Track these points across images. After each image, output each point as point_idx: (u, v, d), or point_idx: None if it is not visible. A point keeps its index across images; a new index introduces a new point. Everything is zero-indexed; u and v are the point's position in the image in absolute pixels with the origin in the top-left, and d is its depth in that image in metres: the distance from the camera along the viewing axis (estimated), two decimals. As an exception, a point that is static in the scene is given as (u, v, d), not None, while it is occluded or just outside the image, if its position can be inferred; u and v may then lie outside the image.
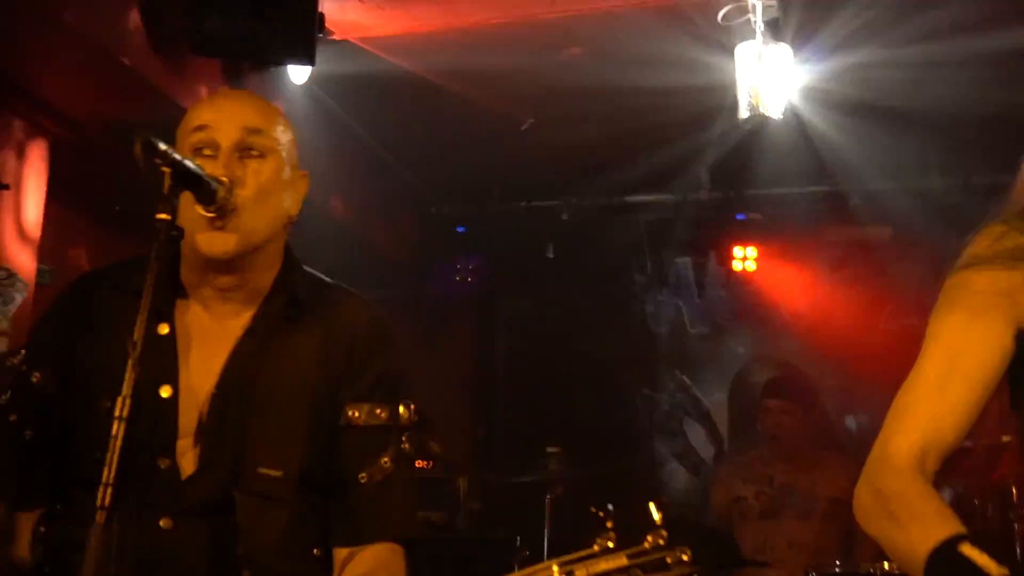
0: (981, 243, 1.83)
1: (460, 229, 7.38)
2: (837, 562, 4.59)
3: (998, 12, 4.73)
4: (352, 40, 5.34)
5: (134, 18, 4.44)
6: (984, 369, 1.78)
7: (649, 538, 1.72)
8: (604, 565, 1.71)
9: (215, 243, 1.98)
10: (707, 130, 6.01)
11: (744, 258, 7.13)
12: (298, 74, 5.21)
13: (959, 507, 4.78)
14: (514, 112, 6.12)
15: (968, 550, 1.60)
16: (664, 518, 1.73)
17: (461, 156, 6.76)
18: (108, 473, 1.62)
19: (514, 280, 7.66)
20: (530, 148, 6.47)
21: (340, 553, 2.06)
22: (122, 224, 5.32)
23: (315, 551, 2.04)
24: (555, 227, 7.20)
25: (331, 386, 2.07)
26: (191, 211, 1.95)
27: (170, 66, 4.65)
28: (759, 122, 4.95)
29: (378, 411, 2.07)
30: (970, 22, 4.88)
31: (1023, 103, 5.15)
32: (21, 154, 4.65)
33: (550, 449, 5.35)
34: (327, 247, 6.48)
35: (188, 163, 1.84)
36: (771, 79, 4.86)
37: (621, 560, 1.72)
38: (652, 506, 1.74)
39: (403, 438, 2.09)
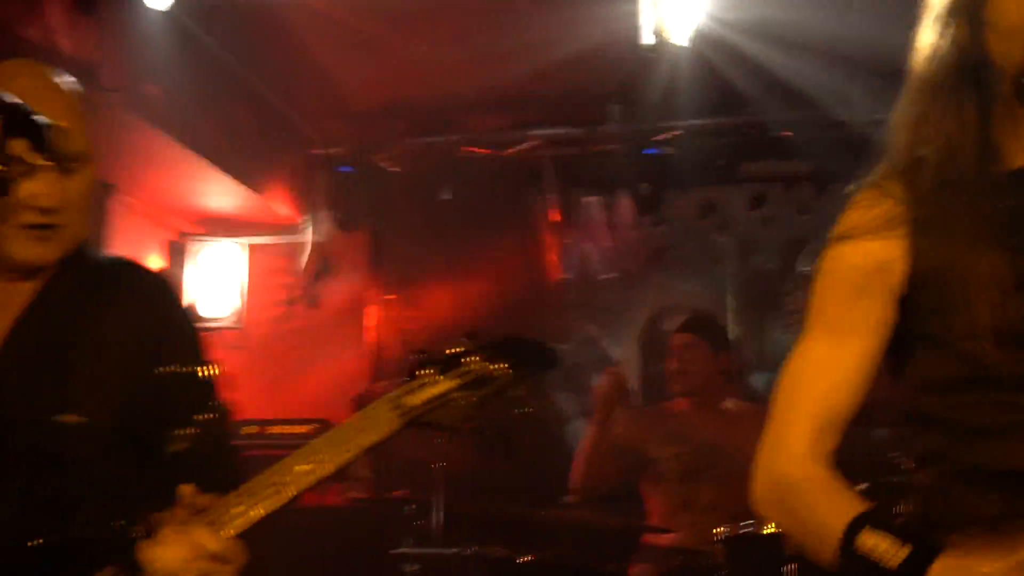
0: (856, 212, 1.96)
1: (344, 169, 7.29)
2: (747, 523, 4.71)
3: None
4: (219, -41, 5.25)
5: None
6: (869, 343, 1.92)
7: (470, 358, 2.00)
8: (432, 391, 1.99)
9: (34, 252, 2.11)
10: (613, 57, 5.99)
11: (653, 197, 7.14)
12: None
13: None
14: (403, 39, 6.02)
15: (867, 537, 1.74)
16: (482, 339, 2.01)
17: (345, 89, 6.66)
18: None
19: (406, 224, 7.59)
20: (421, 79, 6.41)
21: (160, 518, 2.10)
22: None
23: (121, 521, 2.08)
24: (451, 164, 7.17)
25: (132, 346, 2.17)
26: (3, 218, 2.04)
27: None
28: (666, 49, 5.00)
29: (190, 369, 2.22)
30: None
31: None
32: None
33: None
34: (198, 190, 6.44)
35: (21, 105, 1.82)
36: (676, 1, 4.91)
37: (448, 383, 1.99)
38: (464, 340, 2.02)
39: (219, 397, 2.25)
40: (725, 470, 5.15)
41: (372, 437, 1.96)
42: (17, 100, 1.83)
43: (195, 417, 2.17)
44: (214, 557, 1.94)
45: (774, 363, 6.25)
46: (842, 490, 1.85)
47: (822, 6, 5.43)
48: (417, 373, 1.99)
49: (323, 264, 7.41)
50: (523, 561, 4.73)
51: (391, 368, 7.57)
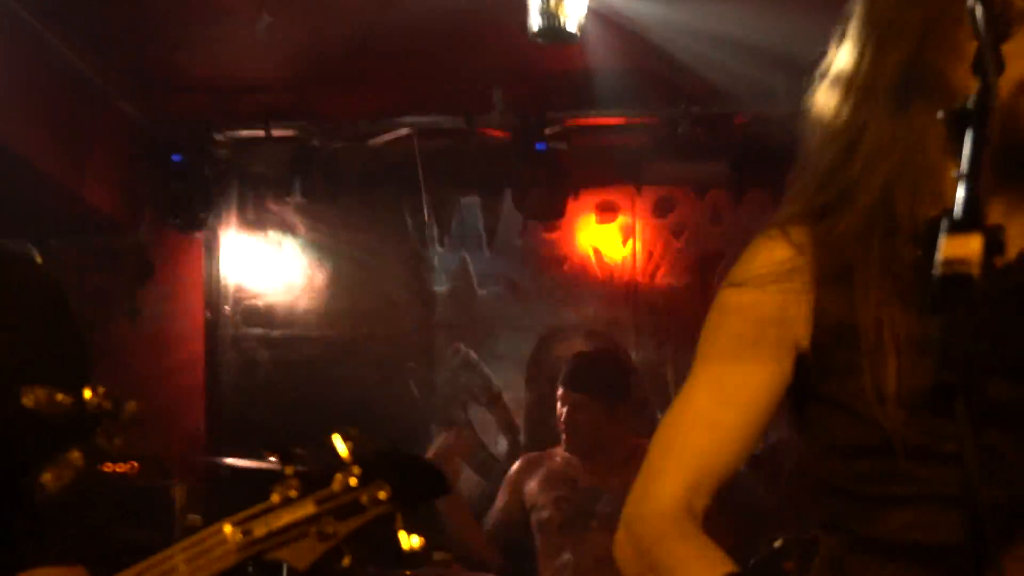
0: (756, 257, 2.04)
1: (176, 158, 7.18)
2: None
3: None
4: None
5: None
6: (758, 399, 2.03)
7: (339, 478, 1.83)
8: (288, 517, 1.82)
9: None
10: (500, 39, 6.00)
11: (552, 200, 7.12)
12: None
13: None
14: (246, 7, 5.96)
15: None
16: (357, 452, 1.85)
17: (177, 64, 6.62)
18: None
19: (249, 225, 7.57)
20: (268, 55, 6.34)
21: None
22: None
23: None
24: (303, 157, 7.08)
25: None
26: None
27: None
28: (557, 34, 4.99)
29: (58, 397, 2.05)
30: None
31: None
32: None
33: (299, 450, 5.34)
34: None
35: None
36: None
37: (308, 508, 1.83)
38: (337, 439, 1.85)
39: (96, 430, 2.06)
40: (613, 519, 5.17)
41: (203, 573, 1.83)
42: None
43: (59, 459, 2.03)
44: None
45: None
46: (711, 550, 1.95)
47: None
48: (275, 489, 1.83)
49: (147, 270, 7.30)
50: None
51: (228, 395, 7.51)
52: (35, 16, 5.99)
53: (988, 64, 1.58)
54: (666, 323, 7.32)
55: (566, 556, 5.34)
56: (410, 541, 1.87)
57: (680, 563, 1.96)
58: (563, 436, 5.49)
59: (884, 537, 1.95)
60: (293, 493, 1.82)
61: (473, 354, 7.46)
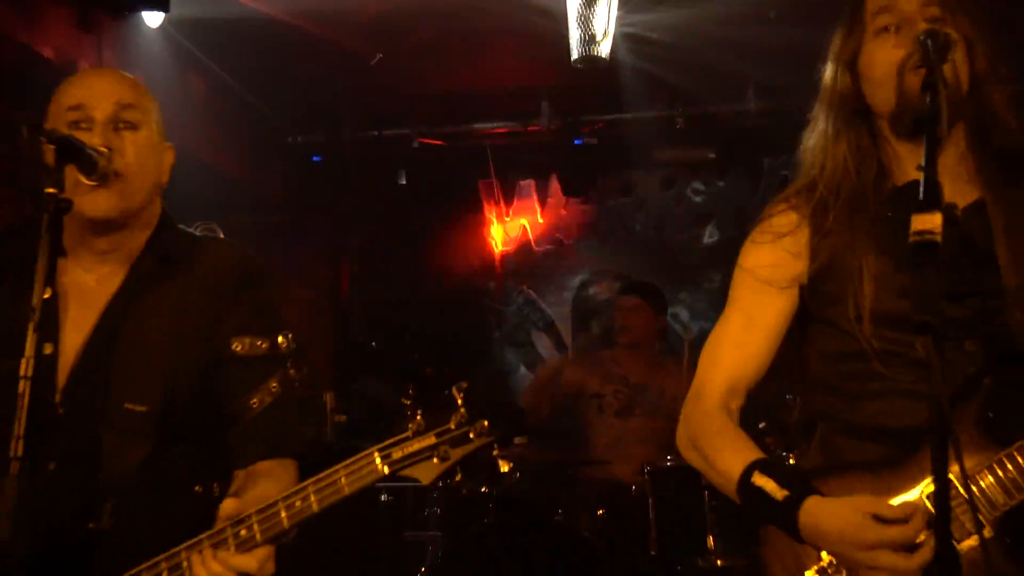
0: (769, 220, 2.19)
1: (316, 158, 7.51)
2: (668, 457, 5.00)
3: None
4: (205, -16, 5.37)
5: (-18, -36, 4.65)
6: (774, 324, 2.17)
7: (453, 418, 1.92)
8: (416, 445, 1.92)
9: (98, 204, 2.15)
10: (545, 65, 6.19)
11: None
12: (153, 18, 5.35)
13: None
14: (365, 49, 6.31)
15: (758, 479, 1.97)
16: (465, 400, 1.94)
17: (315, 91, 6.93)
18: (19, 426, 1.79)
19: (369, 205, 7.80)
20: (381, 81, 6.67)
21: (238, 477, 2.21)
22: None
23: (196, 488, 2.19)
24: (406, 154, 7.37)
25: (206, 323, 2.21)
26: (72, 179, 2.09)
27: (22, 14, 4.63)
28: (592, 61, 5.10)
29: (259, 342, 2.20)
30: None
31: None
32: None
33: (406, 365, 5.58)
34: (192, 184, 6.43)
35: (72, 138, 2.03)
36: (601, 20, 5.02)
37: (430, 439, 1.91)
38: (455, 391, 1.95)
39: (287, 364, 2.22)
40: (652, 407, 5.56)
41: (359, 484, 1.93)
42: (63, 133, 2.00)
43: (262, 387, 2.16)
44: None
45: (681, 320, 6.49)
46: (742, 440, 2.09)
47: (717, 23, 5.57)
48: (409, 425, 1.93)
49: (296, 238, 7.50)
50: (466, 491, 4.82)
51: (356, 331, 7.78)
52: (217, 65, 6.27)
53: (938, 82, 1.68)
54: (671, 265, 7.38)
55: (615, 432, 5.48)
56: (504, 465, 1.89)
57: (718, 451, 2.07)
58: (620, 334, 5.64)
59: (863, 423, 2.02)
60: (421, 427, 1.91)
61: (533, 294, 7.66)
